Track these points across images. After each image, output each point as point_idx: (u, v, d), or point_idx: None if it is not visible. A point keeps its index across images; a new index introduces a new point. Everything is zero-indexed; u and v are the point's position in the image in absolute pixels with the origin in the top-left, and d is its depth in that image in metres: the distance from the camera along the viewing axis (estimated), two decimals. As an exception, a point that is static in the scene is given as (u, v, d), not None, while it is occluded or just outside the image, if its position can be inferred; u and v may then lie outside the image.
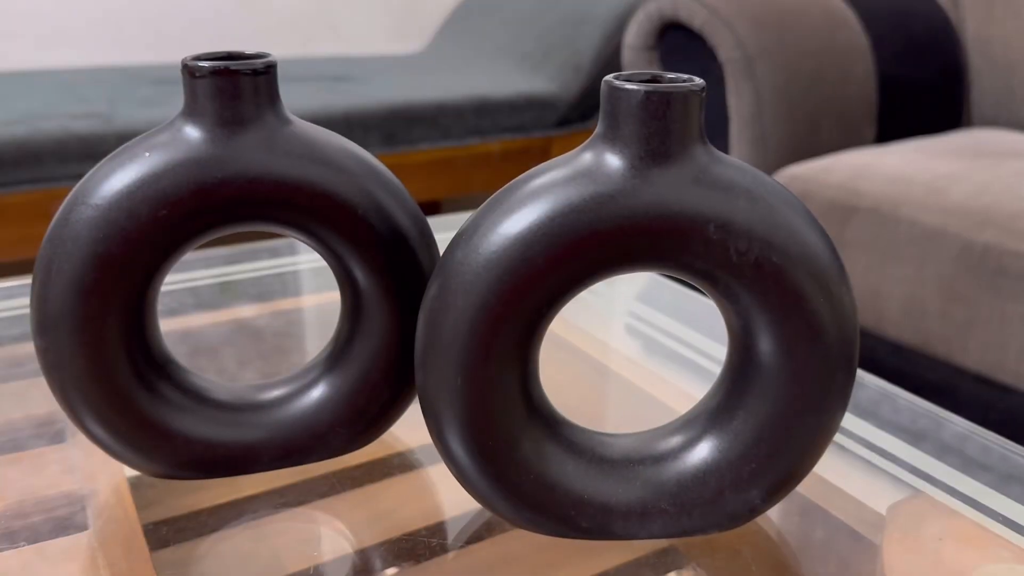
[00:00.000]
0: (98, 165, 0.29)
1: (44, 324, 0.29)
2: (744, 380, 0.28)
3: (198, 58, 0.29)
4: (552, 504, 0.28)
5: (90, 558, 0.30)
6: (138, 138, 0.30)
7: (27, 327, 0.48)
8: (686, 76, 0.26)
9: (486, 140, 1.36)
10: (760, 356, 0.28)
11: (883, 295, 0.93)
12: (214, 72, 0.28)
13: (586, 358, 0.47)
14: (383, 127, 1.26)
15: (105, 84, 1.30)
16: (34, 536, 0.31)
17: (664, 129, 0.25)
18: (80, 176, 1.08)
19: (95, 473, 0.35)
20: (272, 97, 0.29)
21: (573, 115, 1.44)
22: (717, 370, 0.45)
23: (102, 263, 0.28)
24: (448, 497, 0.34)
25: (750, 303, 0.27)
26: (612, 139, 0.26)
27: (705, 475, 0.29)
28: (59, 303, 0.28)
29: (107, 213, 0.28)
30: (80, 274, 0.28)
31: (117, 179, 0.28)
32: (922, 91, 1.22)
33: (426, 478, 0.35)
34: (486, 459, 0.28)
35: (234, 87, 0.28)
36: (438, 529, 0.32)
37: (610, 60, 1.46)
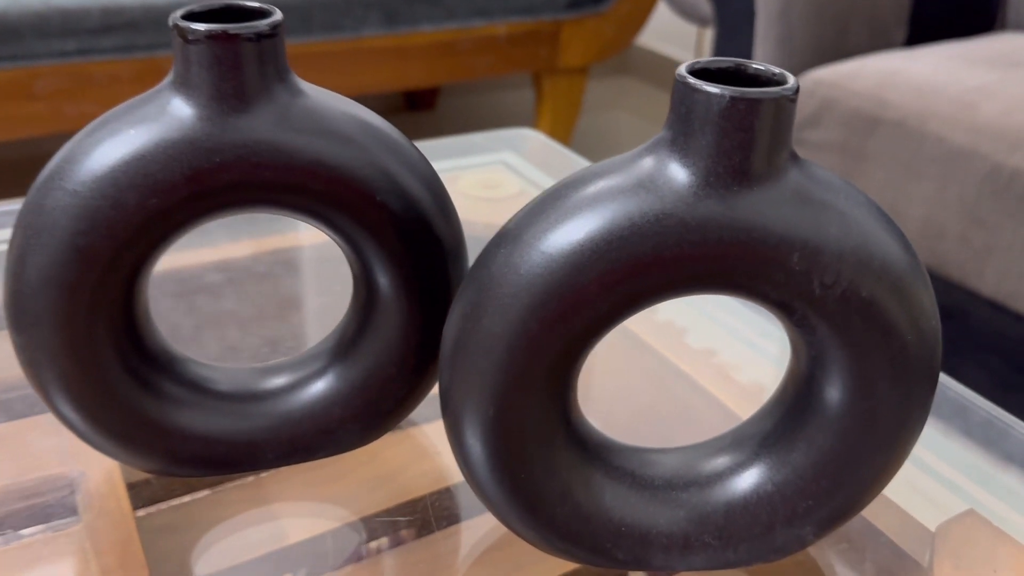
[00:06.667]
0: (75, 139, 0.25)
1: (21, 321, 0.25)
2: (808, 410, 0.25)
3: (189, 15, 0.24)
4: (587, 535, 0.26)
5: (80, 553, 0.28)
6: (120, 108, 0.25)
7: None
8: (776, 71, 0.22)
9: (492, 22, 1.29)
10: (830, 390, 0.25)
11: (901, 213, 0.89)
12: (211, 37, 0.24)
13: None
14: (383, 4, 1.18)
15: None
16: (17, 525, 0.29)
17: (749, 142, 0.21)
18: (63, 53, 1.02)
19: (83, 454, 0.32)
20: (278, 64, 0.25)
21: (585, -3, 1.36)
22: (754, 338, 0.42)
23: (85, 258, 0.24)
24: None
25: (827, 337, 0.24)
26: (683, 148, 0.22)
27: (756, 508, 0.26)
28: (37, 300, 0.25)
29: (89, 201, 0.24)
30: (60, 270, 0.24)
31: (98, 160, 0.24)
32: (959, -9, 1.15)
33: (429, 436, 0.34)
34: (517, 490, 0.25)
35: (234, 55, 0.24)
36: (446, 495, 0.31)
37: (629, -64, 1.36)
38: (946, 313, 0.94)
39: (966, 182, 0.85)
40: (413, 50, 1.21)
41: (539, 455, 0.25)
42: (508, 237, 0.24)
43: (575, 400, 0.26)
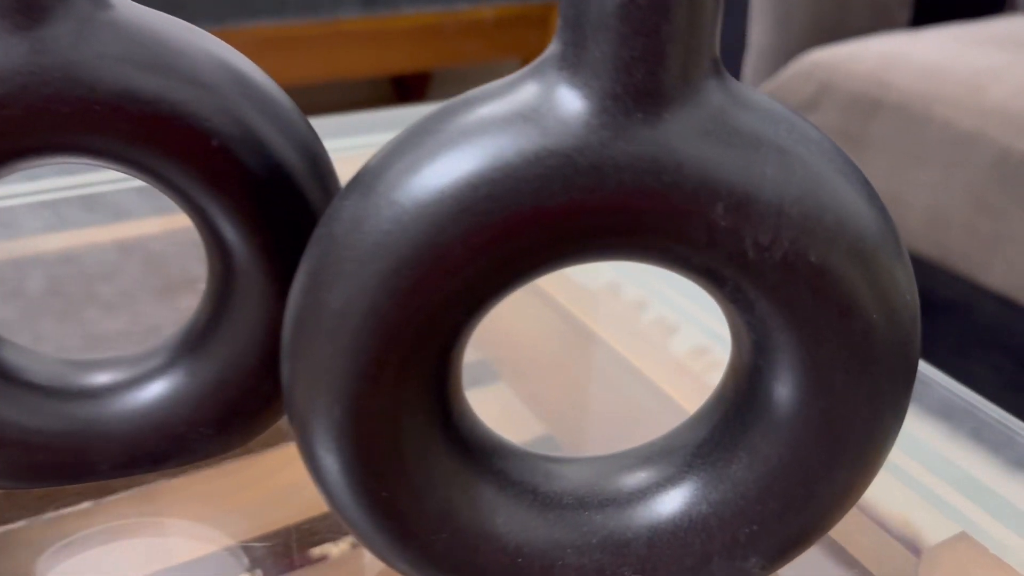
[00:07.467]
0: None
1: None
2: (751, 412, 0.20)
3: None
4: (474, 567, 0.21)
5: None
6: None
7: None
8: (696, -37, 0.17)
9: (478, 4, 1.23)
10: (777, 386, 0.19)
11: (905, 202, 0.84)
12: (-22, -71, 0.18)
13: (561, 311, 0.38)
14: (363, -14, 1.13)
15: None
16: None
17: (655, 51, 0.16)
18: None
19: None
20: (80, -31, 0.20)
21: (576, -20, 1.31)
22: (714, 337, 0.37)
23: None
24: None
25: (769, 315, 0.18)
26: (573, 64, 0.17)
27: (687, 534, 0.21)
28: None
29: None
30: None
31: None
32: (966, -31, 1.09)
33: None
34: (380, 512, 0.20)
35: (12, -47, 0.19)
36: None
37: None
38: (951, 308, 0.89)
39: (973, 168, 0.79)
40: (394, 34, 1.16)
41: (407, 467, 0.19)
42: (358, 185, 0.18)
43: (457, 395, 0.20)
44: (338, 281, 0.18)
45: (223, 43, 0.23)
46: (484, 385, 0.34)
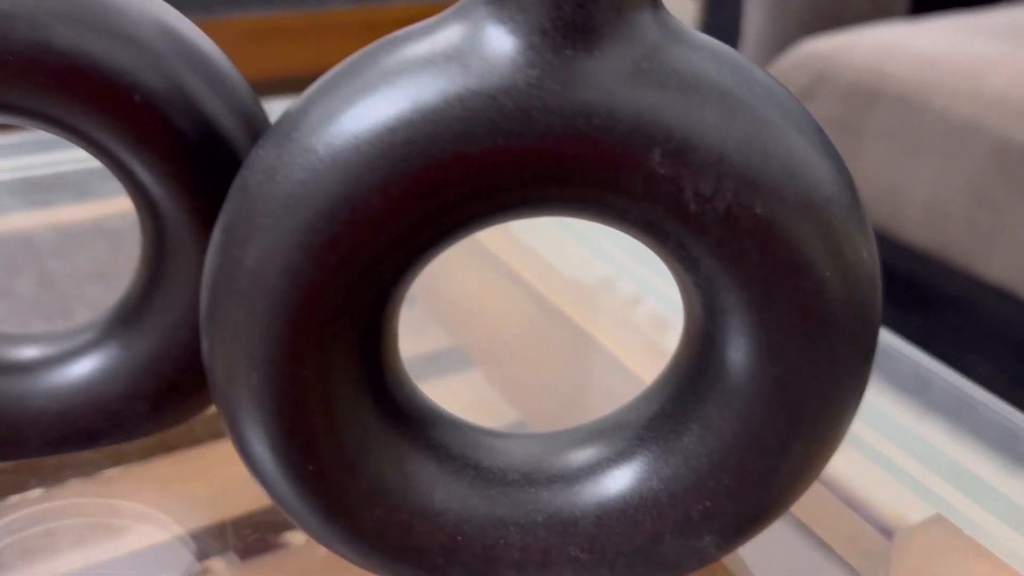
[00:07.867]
0: None
1: None
2: (704, 382, 0.19)
3: None
4: (410, 547, 0.19)
5: None
6: None
7: None
8: None
9: (474, -2, 1.22)
10: (728, 351, 0.18)
11: (903, 194, 0.83)
12: None
13: (516, 279, 0.37)
14: (357, -21, 1.12)
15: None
16: None
17: (585, -17, 0.15)
18: None
19: None
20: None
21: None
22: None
23: None
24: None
25: (715, 275, 0.17)
26: (499, 0, 0.16)
27: (638, 511, 0.20)
28: None
29: None
30: None
31: None
32: (966, -43, 1.08)
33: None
34: (307, 487, 0.19)
35: None
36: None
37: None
38: (950, 301, 0.87)
39: (972, 158, 0.78)
40: (385, 26, 1.15)
41: (335, 439, 0.18)
42: (275, 133, 0.17)
43: (392, 362, 0.19)
44: (252, 237, 0.17)
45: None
46: (458, 372, 0.33)
